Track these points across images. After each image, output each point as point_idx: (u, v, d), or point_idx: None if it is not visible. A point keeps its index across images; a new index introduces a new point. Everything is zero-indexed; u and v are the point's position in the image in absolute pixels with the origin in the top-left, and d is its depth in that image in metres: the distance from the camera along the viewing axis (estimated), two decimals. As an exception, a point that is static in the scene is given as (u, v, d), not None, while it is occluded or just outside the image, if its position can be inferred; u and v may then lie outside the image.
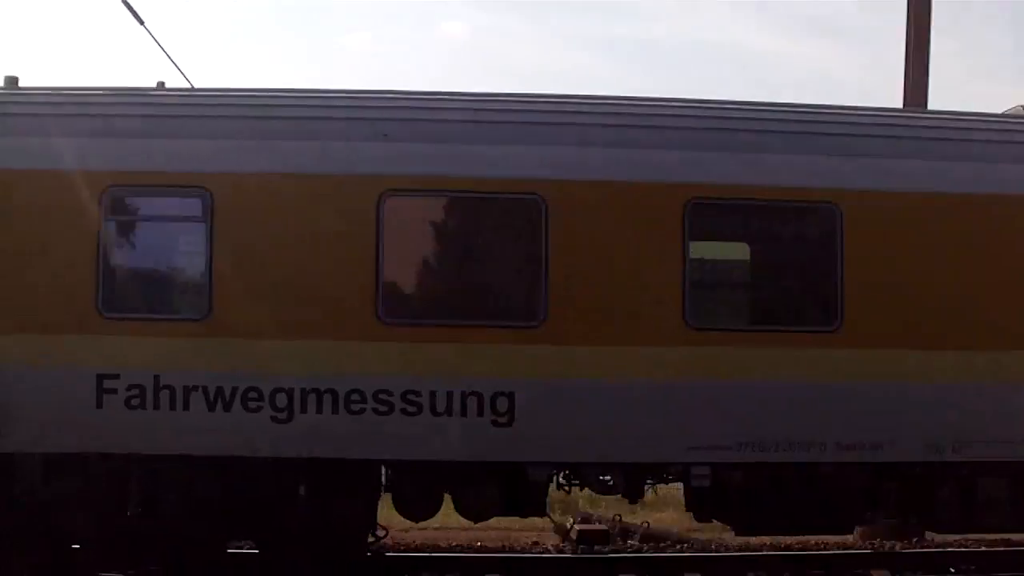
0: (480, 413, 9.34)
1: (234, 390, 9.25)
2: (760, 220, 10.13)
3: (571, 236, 9.45)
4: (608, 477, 9.81)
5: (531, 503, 9.95)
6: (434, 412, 9.32)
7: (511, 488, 9.76)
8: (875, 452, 9.63)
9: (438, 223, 10.04)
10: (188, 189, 9.43)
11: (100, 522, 9.39)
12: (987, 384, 9.72)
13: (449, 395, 9.32)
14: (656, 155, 9.61)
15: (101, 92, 9.90)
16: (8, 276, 9.25)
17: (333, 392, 9.27)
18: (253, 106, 9.68)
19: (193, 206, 9.44)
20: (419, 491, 9.82)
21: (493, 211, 9.85)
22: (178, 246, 9.77)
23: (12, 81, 10.37)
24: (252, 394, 9.26)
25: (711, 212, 9.80)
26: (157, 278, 9.92)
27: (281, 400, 9.26)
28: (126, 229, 9.69)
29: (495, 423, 9.36)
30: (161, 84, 10.72)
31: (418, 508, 9.94)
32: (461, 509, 9.97)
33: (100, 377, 9.20)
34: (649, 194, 9.54)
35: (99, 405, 9.20)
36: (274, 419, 9.27)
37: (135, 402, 9.20)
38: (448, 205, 9.93)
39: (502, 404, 9.36)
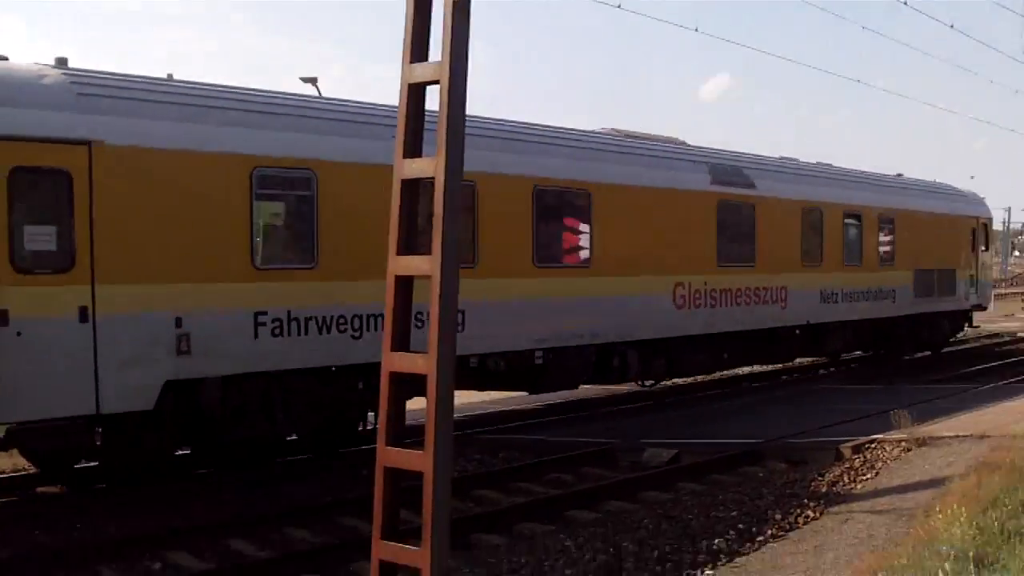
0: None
1: (341, 317, 12.75)
2: None
3: None
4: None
5: None
6: None
7: None
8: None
9: None
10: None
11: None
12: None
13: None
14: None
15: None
16: (179, 241, 11.59)
17: None
18: None
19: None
20: None
21: None
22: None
23: (62, 62, 11.87)
24: (356, 322, 12.88)
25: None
26: (288, 238, 12.79)
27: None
28: (268, 201, 12.43)
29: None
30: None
31: None
32: None
33: (256, 314, 12.07)
34: None
35: (255, 336, 12.07)
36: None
37: (277, 331, 12.23)
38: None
39: None
